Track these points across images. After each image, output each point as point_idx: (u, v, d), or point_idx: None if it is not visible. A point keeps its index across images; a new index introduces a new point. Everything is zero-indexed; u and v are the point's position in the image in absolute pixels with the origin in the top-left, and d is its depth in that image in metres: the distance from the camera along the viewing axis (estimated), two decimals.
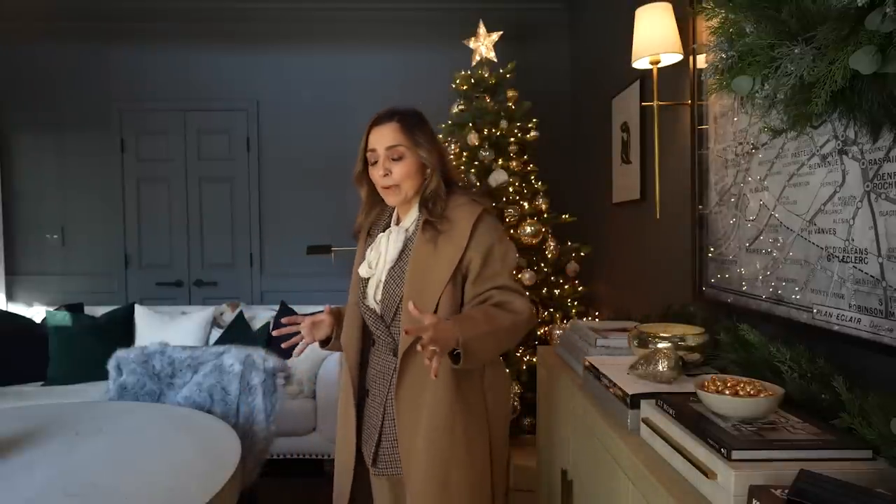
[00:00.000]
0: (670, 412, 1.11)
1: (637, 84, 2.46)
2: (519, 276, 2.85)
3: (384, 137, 1.43)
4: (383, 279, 1.46)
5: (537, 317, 2.62)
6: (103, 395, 2.43)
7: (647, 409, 1.19)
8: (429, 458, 1.37)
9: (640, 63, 1.97)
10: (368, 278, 1.50)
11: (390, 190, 1.44)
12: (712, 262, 1.75)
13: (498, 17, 3.50)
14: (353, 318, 1.55)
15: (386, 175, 1.42)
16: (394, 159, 1.42)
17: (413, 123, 1.45)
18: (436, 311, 1.36)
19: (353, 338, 1.53)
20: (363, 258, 1.54)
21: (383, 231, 1.53)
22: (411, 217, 1.50)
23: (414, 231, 1.48)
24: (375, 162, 1.45)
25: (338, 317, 1.60)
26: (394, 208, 1.55)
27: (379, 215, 1.59)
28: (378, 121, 1.46)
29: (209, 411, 2.05)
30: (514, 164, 3.03)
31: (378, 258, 1.47)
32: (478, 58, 3.27)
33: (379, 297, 1.47)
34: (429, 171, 1.45)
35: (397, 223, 1.53)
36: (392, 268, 1.45)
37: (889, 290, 1.05)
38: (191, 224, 4.06)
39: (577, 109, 3.74)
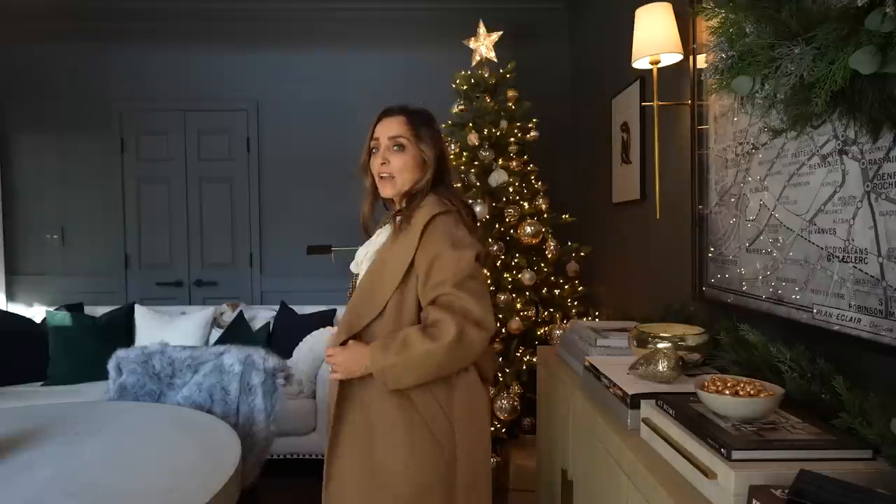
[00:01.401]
0: (670, 412, 1.11)
1: (637, 84, 2.46)
2: (519, 275, 2.85)
3: (389, 128, 1.45)
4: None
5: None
6: (103, 395, 2.42)
7: (647, 409, 1.19)
8: (345, 461, 1.39)
9: (640, 63, 1.97)
10: (357, 274, 1.51)
11: (386, 180, 1.45)
12: (712, 262, 1.75)
13: (498, 17, 3.50)
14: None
15: (384, 163, 1.43)
16: (394, 149, 1.44)
17: (420, 120, 1.47)
18: (383, 311, 1.36)
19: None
20: None
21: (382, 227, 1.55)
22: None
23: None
24: (376, 150, 1.46)
25: None
26: (374, 204, 1.56)
27: (385, 211, 1.60)
28: (386, 112, 1.48)
29: (209, 411, 2.05)
30: (514, 164, 3.03)
31: (365, 254, 1.49)
32: (478, 58, 3.27)
33: None
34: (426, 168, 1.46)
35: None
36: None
37: (889, 290, 1.05)
38: (191, 224, 4.06)
39: (577, 109, 3.74)
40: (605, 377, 1.39)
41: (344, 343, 1.38)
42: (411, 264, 1.35)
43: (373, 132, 1.47)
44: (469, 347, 1.29)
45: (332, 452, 1.42)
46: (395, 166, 1.43)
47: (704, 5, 1.01)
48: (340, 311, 3.45)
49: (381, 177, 1.45)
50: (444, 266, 1.32)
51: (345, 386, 1.40)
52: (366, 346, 1.35)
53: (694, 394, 1.10)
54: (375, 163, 1.46)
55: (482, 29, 3.29)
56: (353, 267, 1.53)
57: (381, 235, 1.48)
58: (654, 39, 1.89)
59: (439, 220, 1.37)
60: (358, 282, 1.48)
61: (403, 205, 1.47)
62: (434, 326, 1.29)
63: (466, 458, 1.38)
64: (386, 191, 1.46)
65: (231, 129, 4.03)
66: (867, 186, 1.10)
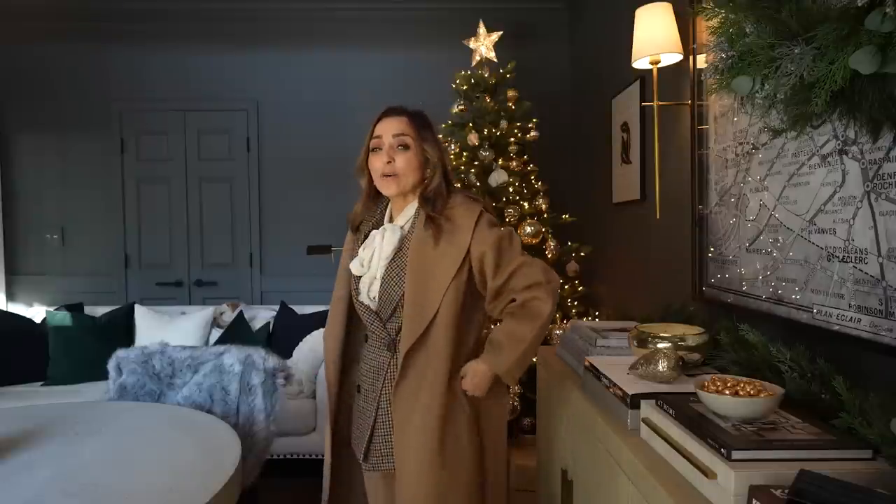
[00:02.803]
0: (670, 412, 1.11)
1: (637, 84, 2.46)
2: None
3: (392, 126, 1.44)
4: (379, 276, 1.46)
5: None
6: (103, 395, 2.42)
7: (647, 409, 1.19)
8: (419, 456, 1.39)
9: (640, 63, 1.97)
10: (360, 276, 1.50)
11: (390, 179, 1.43)
12: (712, 262, 1.75)
13: (498, 17, 3.50)
14: (337, 312, 1.56)
15: (389, 162, 1.42)
16: (399, 147, 1.43)
17: (421, 122, 1.48)
18: (438, 311, 1.38)
19: (337, 332, 1.55)
20: (353, 253, 1.53)
21: (374, 228, 1.53)
22: (407, 215, 1.49)
23: (410, 229, 1.47)
24: (378, 149, 1.44)
25: None
26: (386, 206, 1.56)
27: (371, 211, 1.58)
28: (388, 113, 1.47)
29: (209, 411, 2.05)
30: (514, 164, 3.03)
31: (371, 255, 1.46)
32: (478, 58, 3.28)
33: (375, 294, 1.47)
34: (429, 169, 1.46)
35: (390, 220, 1.53)
36: (389, 265, 1.45)
37: (889, 290, 1.05)
38: (191, 224, 4.06)
39: (577, 109, 3.74)
40: (605, 377, 1.39)
41: (410, 350, 1.40)
42: (463, 260, 1.39)
43: (373, 131, 1.46)
44: (555, 304, 1.43)
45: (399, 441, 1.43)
46: (399, 165, 1.42)
47: (704, 5, 1.00)
48: None
49: (385, 175, 1.43)
50: (507, 246, 1.42)
51: (403, 388, 1.42)
52: (478, 362, 1.43)
53: (694, 394, 1.10)
54: (377, 161, 1.44)
55: (482, 29, 3.29)
56: (356, 268, 1.50)
57: (389, 236, 1.45)
58: (654, 39, 1.89)
59: (485, 214, 1.45)
60: (375, 289, 1.46)
61: (411, 204, 1.48)
62: (525, 307, 1.39)
63: (492, 448, 1.51)
64: (390, 189, 1.45)
65: (231, 129, 4.03)
66: (867, 186, 1.10)
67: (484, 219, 1.43)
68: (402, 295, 1.42)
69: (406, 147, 1.43)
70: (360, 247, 1.52)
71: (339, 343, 1.55)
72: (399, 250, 1.45)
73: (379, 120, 1.47)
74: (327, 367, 1.57)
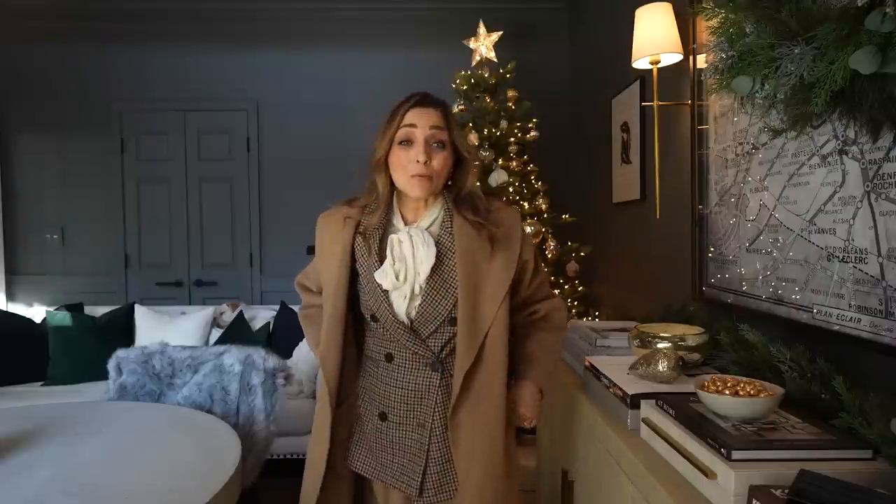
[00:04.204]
0: (670, 412, 1.11)
1: (637, 84, 2.46)
2: None
3: (430, 118, 1.23)
4: (418, 290, 1.24)
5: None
6: (103, 395, 2.42)
7: (647, 409, 1.19)
8: (483, 479, 1.24)
9: (640, 63, 1.97)
10: (390, 290, 1.26)
11: (424, 179, 1.21)
12: (712, 262, 1.75)
13: (498, 17, 3.50)
14: (336, 334, 1.29)
15: (426, 162, 1.20)
16: (436, 145, 1.23)
17: (451, 116, 1.29)
18: (492, 323, 1.24)
19: (337, 356, 1.29)
20: (367, 263, 1.27)
21: (377, 232, 1.29)
22: (431, 216, 1.28)
23: (442, 234, 1.27)
24: (409, 142, 1.22)
25: None
26: (389, 207, 1.31)
27: (369, 214, 1.32)
28: (421, 102, 1.24)
29: (209, 411, 2.05)
30: (514, 164, 3.04)
31: (404, 267, 1.23)
32: (478, 58, 3.28)
33: (414, 311, 1.25)
34: (463, 167, 1.29)
35: (403, 223, 1.30)
36: (430, 277, 1.24)
37: (889, 290, 1.05)
38: (191, 224, 4.06)
39: (577, 109, 3.74)
40: (605, 377, 1.39)
41: (470, 371, 1.23)
42: (515, 268, 1.29)
43: (401, 120, 1.22)
44: None
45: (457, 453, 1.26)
46: (437, 165, 1.22)
47: (704, 5, 1.01)
48: None
49: (419, 175, 1.21)
50: (537, 259, 1.38)
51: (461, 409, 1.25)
52: (527, 384, 1.33)
53: (694, 394, 1.10)
54: (407, 158, 1.22)
55: (482, 29, 3.29)
56: (387, 284, 1.23)
57: (423, 244, 1.23)
58: (654, 39, 1.90)
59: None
60: (415, 304, 1.25)
61: (435, 205, 1.29)
62: (549, 319, 1.37)
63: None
64: (422, 191, 1.23)
65: (231, 129, 4.03)
66: (867, 186, 1.10)
67: (522, 223, 1.40)
68: (451, 309, 1.24)
69: (442, 145, 1.23)
70: (370, 255, 1.27)
71: (339, 364, 1.30)
72: (438, 260, 1.24)
73: (408, 108, 1.23)
74: (326, 395, 1.30)
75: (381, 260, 1.25)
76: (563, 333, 1.42)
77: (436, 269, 1.23)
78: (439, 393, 1.27)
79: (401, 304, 1.25)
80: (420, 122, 1.21)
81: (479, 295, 1.24)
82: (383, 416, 1.30)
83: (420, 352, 1.26)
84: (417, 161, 1.20)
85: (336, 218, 1.33)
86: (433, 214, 1.29)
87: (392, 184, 1.28)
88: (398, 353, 1.28)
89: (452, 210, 1.28)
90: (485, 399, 1.24)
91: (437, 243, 1.25)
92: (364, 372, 1.37)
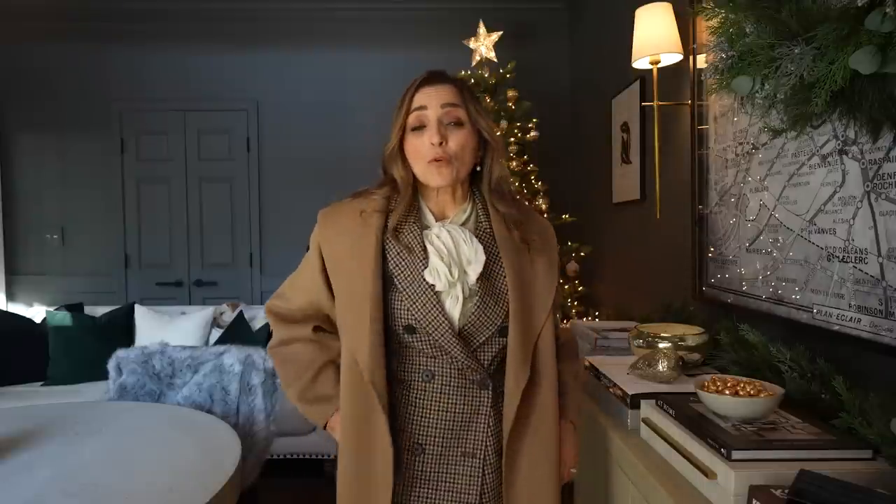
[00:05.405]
0: (670, 412, 1.11)
1: (637, 84, 2.46)
2: None
3: (440, 95, 1.09)
4: (469, 294, 1.07)
5: None
6: (103, 395, 2.42)
7: (647, 409, 1.19)
8: (543, 492, 1.09)
9: (640, 63, 1.97)
10: (440, 290, 1.08)
11: (441, 164, 1.06)
12: (712, 262, 1.75)
13: (498, 17, 3.50)
14: (378, 343, 1.05)
15: (441, 143, 1.06)
16: (451, 124, 1.08)
17: (471, 93, 1.14)
18: (541, 332, 1.10)
19: (381, 366, 1.06)
20: (379, 261, 1.07)
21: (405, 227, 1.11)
22: (465, 211, 1.14)
23: (477, 231, 1.13)
24: (421, 127, 1.08)
25: None
26: (414, 200, 1.14)
27: (396, 209, 1.13)
28: (429, 80, 1.11)
29: (209, 411, 2.05)
30: (514, 164, 3.04)
31: (455, 264, 1.07)
32: (478, 58, 3.28)
33: (465, 317, 1.07)
34: (488, 152, 1.13)
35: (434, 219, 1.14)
36: (481, 278, 1.08)
37: (889, 290, 1.05)
38: (191, 224, 4.06)
39: (577, 109, 3.74)
40: (605, 377, 1.39)
41: (526, 390, 1.07)
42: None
43: (410, 103, 1.09)
44: None
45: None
46: (454, 145, 1.07)
47: (704, 5, 1.01)
48: None
49: (436, 160, 1.06)
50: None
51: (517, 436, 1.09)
52: (566, 425, 1.15)
53: (694, 394, 1.10)
54: (421, 143, 1.07)
55: (482, 29, 3.29)
56: (441, 285, 1.06)
57: (467, 240, 1.09)
58: (654, 39, 1.90)
59: None
60: (470, 309, 1.07)
61: (467, 199, 1.15)
62: (568, 347, 1.24)
63: None
64: (443, 179, 1.07)
65: (231, 129, 4.03)
66: (867, 186, 1.10)
67: None
68: (504, 317, 1.08)
69: (460, 123, 1.08)
70: (412, 253, 1.08)
71: (385, 380, 1.06)
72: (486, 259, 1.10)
73: (417, 88, 1.10)
74: (376, 417, 1.06)
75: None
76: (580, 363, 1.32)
77: (483, 270, 1.08)
78: (492, 415, 1.08)
79: (453, 308, 1.07)
80: (430, 102, 1.08)
81: (529, 299, 1.10)
82: (419, 449, 1.09)
83: (470, 366, 1.07)
84: (432, 144, 1.06)
85: (347, 213, 1.13)
86: (465, 209, 1.14)
87: (413, 176, 1.12)
88: (440, 370, 1.08)
89: (487, 202, 1.14)
90: (542, 423, 1.09)
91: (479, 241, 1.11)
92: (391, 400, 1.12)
